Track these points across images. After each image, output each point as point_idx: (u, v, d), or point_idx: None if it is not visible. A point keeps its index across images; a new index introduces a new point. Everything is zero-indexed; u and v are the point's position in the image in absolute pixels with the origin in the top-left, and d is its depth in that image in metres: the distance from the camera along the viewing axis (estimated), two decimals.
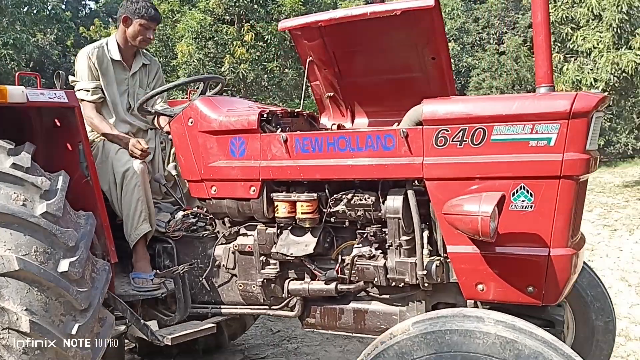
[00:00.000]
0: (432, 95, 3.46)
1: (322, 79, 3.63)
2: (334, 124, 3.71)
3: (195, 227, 3.64)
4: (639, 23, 13.21)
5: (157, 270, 3.50)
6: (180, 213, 3.59)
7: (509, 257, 2.66)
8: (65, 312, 2.92)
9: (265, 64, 16.91)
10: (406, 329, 2.28)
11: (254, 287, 3.36)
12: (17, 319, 2.76)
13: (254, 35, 16.48)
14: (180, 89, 8.52)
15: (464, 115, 2.69)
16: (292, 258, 3.16)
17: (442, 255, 2.87)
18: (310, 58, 3.53)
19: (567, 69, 14.00)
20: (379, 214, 2.98)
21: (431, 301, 3.03)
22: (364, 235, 3.03)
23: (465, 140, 2.69)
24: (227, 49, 16.75)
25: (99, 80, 3.86)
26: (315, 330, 3.34)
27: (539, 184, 2.59)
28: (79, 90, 3.80)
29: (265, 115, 3.22)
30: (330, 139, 2.98)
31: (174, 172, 3.94)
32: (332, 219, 3.11)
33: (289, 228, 3.22)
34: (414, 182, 2.93)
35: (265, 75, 17.12)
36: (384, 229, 2.98)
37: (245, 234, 3.40)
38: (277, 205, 3.16)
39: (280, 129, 3.24)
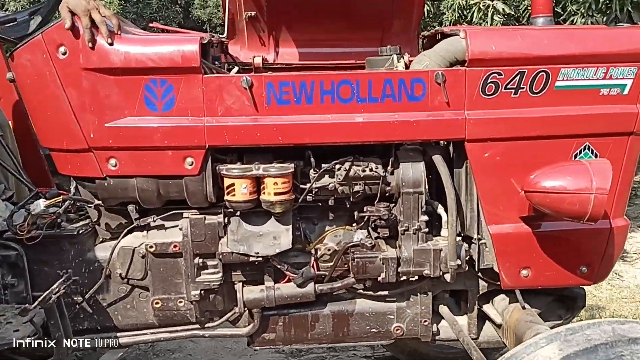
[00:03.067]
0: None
1: None
2: (255, 56, 2.64)
3: (58, 222, 2.31)
4: None
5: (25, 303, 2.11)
6: (41, 202, 2.20)
7: (564, 235, 2.16)
8: None
9: None
10: None
11: (180, 302, 2.28)
12: None
13: None
14: None
15: (524, 54, 2.02)
16: (259, 259, 2.16)
17: (475, 237, 2.21)
18: None
19: None
20: (388, 188, 2.17)
21: (435, 291, 2.38)
22: (364, 218, 2.19)
23: (523, 88, 2.04)
24: None
25: None
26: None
27: (606, 142, 2.11)
28: None
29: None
30: (326, 84, 2.02)
31: None
32: (311, 198, 2.19)
33: (239, 215, 2.20)
34: (436, 143, 2.18)
35: None
36: (392, 208, 2.19)
37: (162, 227, 2.25)
38: (230, 185, 2.09)
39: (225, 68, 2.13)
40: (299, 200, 2.16)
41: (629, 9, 5.98)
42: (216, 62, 2.23)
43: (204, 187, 2.12)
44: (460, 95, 2.03)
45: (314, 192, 2.17)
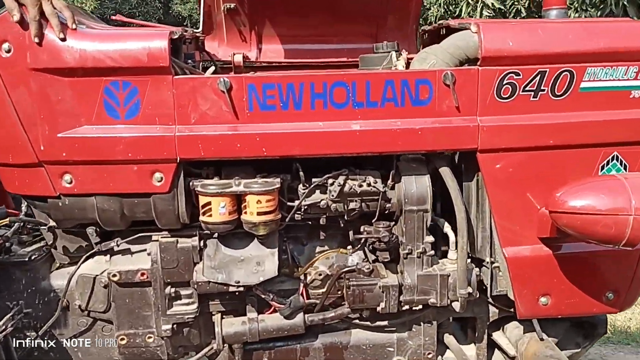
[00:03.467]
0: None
1: None
2: (235, 53, 2.35)
3: (7, 246, 2.01)
4: None
5: None
6: None
7: (589, 258, 1.90)
8: None
9: None
10: None
11: (149, 337, 1.99)
12: None
13: None
14: None
15: (545, 51, 1.76)
16: (240, 288, 1.88)
17: (487, 260, 1.94)
18: None
19: None
20: (388, 205, 1.90)
21: (440, 319, 2.11)
22: (361, 239, 1.92)
23: (543, 90, 1.78)
24: None
25: None
26: None
27: (637, 152, 1.87)
28: None
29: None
30: (317, 86, 1.73)
31: None
32: (300, 217, 1.90)
33: (216, 237, 1.91)
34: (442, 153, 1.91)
35: None
36: (393, 227, 1.92)
37: (127, 252, 1.95)
38: (207, 204, 1.80)
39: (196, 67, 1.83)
40: (286, 220, 1.88)
41: (625, 3, 5.77)
42: (189, 61, 1.94)
43: (176, 206, 1.82)
44: (472, 98, 1.77)
45: (303, 210, 1.89)
